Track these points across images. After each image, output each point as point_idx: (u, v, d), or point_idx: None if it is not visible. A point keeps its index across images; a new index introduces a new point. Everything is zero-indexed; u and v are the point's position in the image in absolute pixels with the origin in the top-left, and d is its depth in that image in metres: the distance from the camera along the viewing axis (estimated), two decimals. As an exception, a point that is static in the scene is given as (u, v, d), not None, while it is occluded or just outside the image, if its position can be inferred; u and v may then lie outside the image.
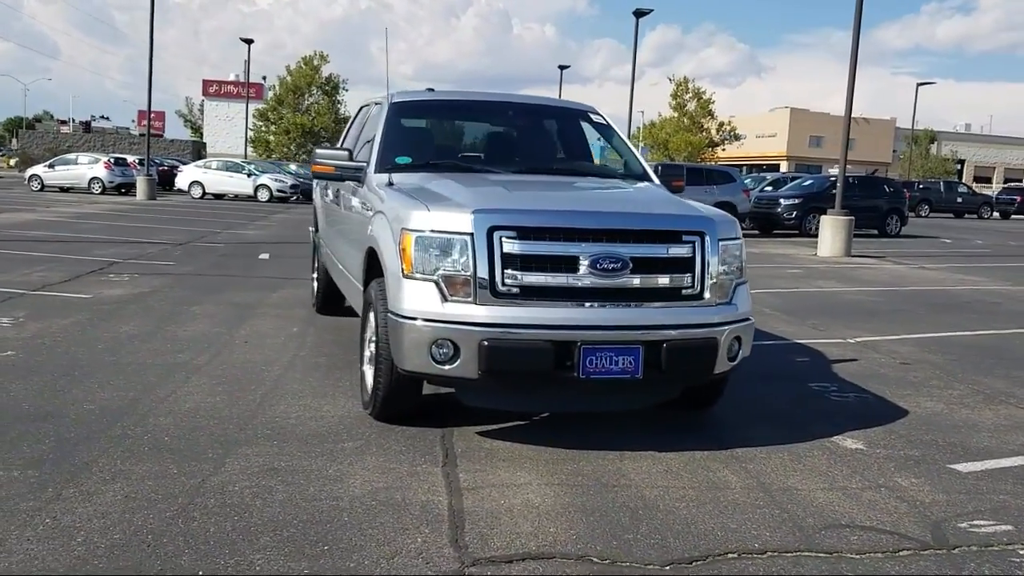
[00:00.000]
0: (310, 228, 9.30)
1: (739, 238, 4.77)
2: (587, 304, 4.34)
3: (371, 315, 5.00)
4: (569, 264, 4.33)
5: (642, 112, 79.56)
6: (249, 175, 32.89)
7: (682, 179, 6.11)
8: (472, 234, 4.29)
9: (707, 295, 4.54)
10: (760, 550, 3.40)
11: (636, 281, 4.40)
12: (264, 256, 13.26)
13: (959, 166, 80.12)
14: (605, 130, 6.38)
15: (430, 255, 4.35)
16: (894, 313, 10.04)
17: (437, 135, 6.47)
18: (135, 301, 8.65)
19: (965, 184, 54.49)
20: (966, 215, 44.63)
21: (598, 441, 4.69)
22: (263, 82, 68.14)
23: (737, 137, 64.94)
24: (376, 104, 6.49)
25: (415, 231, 4.39)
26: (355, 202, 5.72)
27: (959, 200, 45.78)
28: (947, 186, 48.90)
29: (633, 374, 4.34)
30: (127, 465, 4.06)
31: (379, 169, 5.52)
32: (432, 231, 4.36)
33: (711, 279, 4.54)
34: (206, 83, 76.40)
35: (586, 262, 4.31)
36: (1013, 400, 6.03)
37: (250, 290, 9.67)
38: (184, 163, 39.34)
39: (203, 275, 10.86)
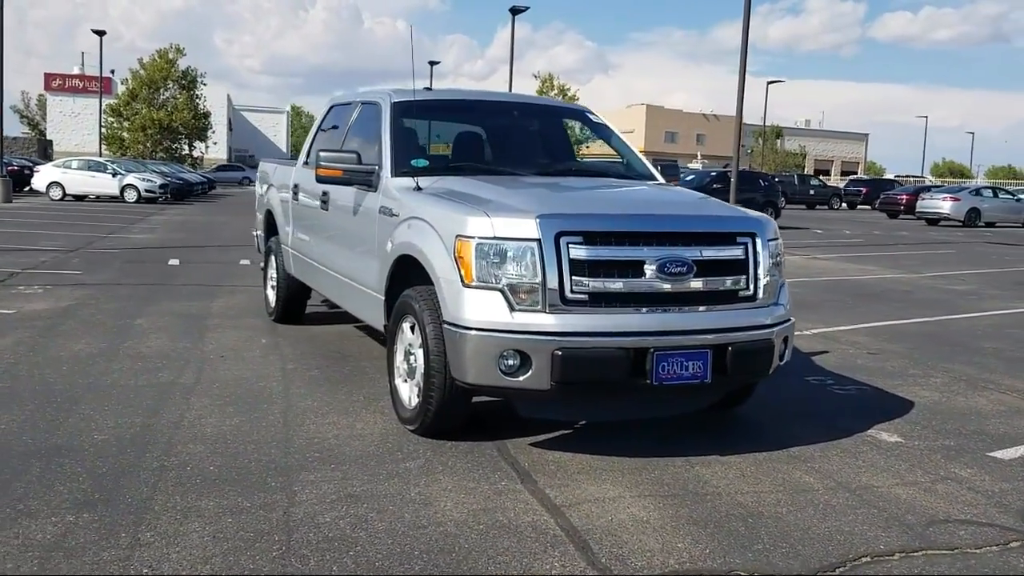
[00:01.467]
0: (255, 232, 8.85)
1: (779, 238, 4.81)
2: (656, 309, 4.27)
3: (405, 326, 4.78)
4: (635, 269, 4.25)
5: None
6: (114, 175, 31.11)
7: (677, 178, 6.12)
8: (539, 240, 4.15)
9: (760, 296, 4.56)
10: (887, 552, 3.43)
11: (700, 284, 4.37)
12: (174, 262, 12.55)
13: (803, 160, 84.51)
14: (603, 129, 6.33)
15: (493, 263, 4.19)
16: (825, 304, 10.43)
17: (444, 136, 6.24)
18: (68, 315, 8.02)
19: (817, 177, 57.56)
20: (817, 206, 47.15)
21: (655, 447, 4.64)
22: (112, 76, 64.62)
23: (601, 133, 66.14)
24: (367, 103, 6.20)
25: (475, 238, 4.22)
26: (365, 208, 5.44)
27: (811, 192, 48.40)
28: (800, 179, 51.57)
29: (702, 379, 4.31)
30: (190, 500, 3.73)
31: (396, 173, 5.28)
32: (495, 238, 4.19)
33: (763, 280, 4.56)
34: (48, 77, 71.92)
35: (653, 266, 4.25)
36: (993, 385, 6.35)
37: (184, 300, 9.12)
38: (32, 163, 36.80)
39: (121, 284, 10.17)
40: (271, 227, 8.14)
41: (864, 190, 51.35)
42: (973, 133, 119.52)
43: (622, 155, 6.17)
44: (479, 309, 4.19)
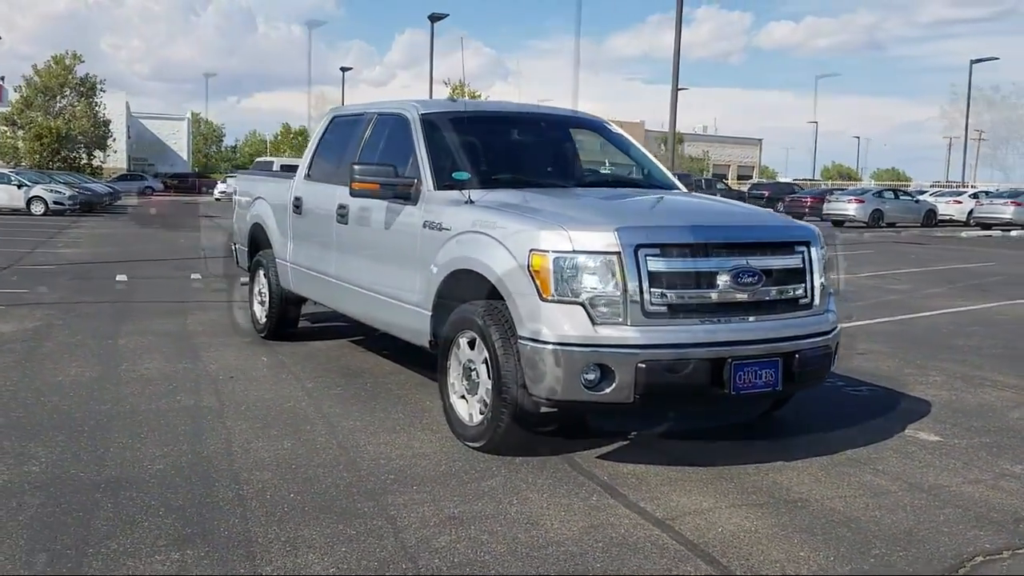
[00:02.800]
0: (235, 244, 8.59)
1: (826, 247, 4.94)
2: (731, 319, 4.32)
3: (462, 341, 4.73)
4: (710, 279, 4.31)
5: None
6: (20, 186, 29.68)
7: (693, 188, 6.22)
8: (619, 253, 4.16)
9: (816, 303, 4.66)
10: (995, 551, 3.55)
11: (768, 293, 4.44)
12: (123, 279, 12.06)
13: (705, 164, 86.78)
14: (622, 140, 6.37)
15: (573, 277, 4.18)
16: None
17: (476, 149, 6.16)
18: (43, 337, 7.64)
19: (722, 181, 59.14)
20: (726, 209, 48.27)
21: (718, 456, 4.70)
22: (2, 83, 61.71)
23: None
24: (386, 116, 6.10)
25: (553, 252, 4.20)
26: (403, 222, 5.35)
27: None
28: (707, 183, 52.81)
29: (774, 386, 4.39)
30: (290, 530, 3.61)
31: (439, 186, 5.20)
32: (574, 251, 4.18)
33: (818, 287, 4.67)
34: (-70, 83, 68.04)
35: (726, 276, 4.31)
36: (989, 383, 6.64)
37: (156, 318, 8.77)
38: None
39: (81, 303, 9.73)
40: (258, 241, 7.91)
41: (766, 193, 52.92)
42: (859, 137, 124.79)
43: (643, 166, 6.21)
44: (560, 323, 4.17)
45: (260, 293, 7.77)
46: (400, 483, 4.17)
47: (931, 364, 7.28)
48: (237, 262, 8.57)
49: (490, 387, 4.50)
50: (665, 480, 4.30)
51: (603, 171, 6.17)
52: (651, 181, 6.03)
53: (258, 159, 38.55)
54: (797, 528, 3.73)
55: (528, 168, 5.95)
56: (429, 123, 5.60)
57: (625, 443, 4.91)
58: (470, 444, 4.63)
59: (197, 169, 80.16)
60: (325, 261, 6.41)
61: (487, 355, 4.50)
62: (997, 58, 43.78)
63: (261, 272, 7.75)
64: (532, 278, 4.25)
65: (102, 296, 10.21)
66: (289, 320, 7.58)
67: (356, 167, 5.29)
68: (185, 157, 79.81)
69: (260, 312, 7.81)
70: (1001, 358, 7.59)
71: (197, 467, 4.35)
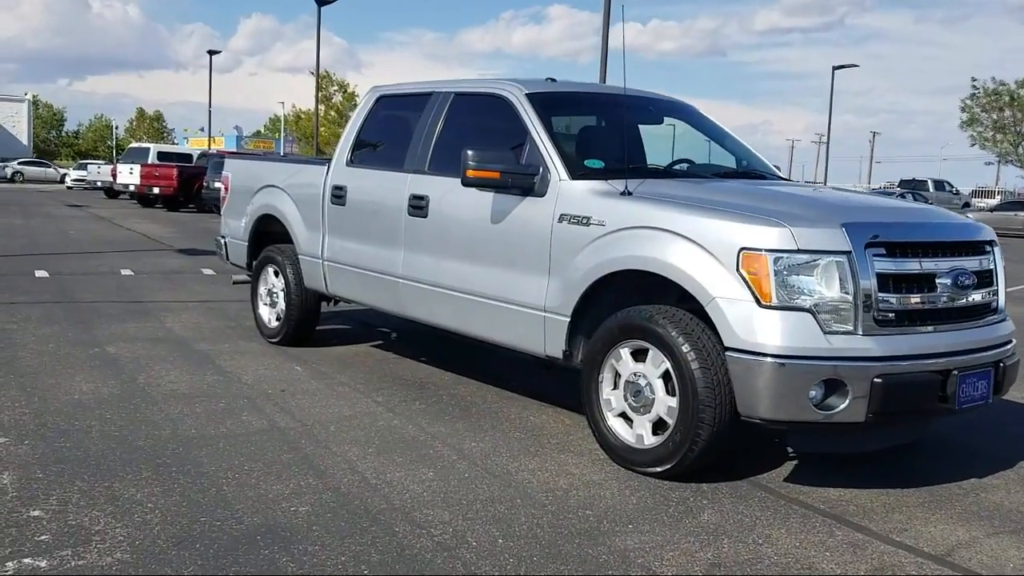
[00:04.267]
0: (223, 238, 7.64)
1: None
2: (951, 327, 3.95)
3: (623, 352, 4.18)
4: (932, 282, 3.92)
5: (282, 103, 77.04)
6: None
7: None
8: (849, 252, 3.72)
9: (1001, 307, 4.37)
10: None
11: (977, 297, 4.10)
12: (43, 274, 10.69)
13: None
14: (715, 128, 5.90)
15: (797, 279, 3.70)
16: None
17: (594, 134, 5.55)
18: (7, 346, 6.51)
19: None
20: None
21: (899, 474, 4.38)
22: None
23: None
24: (473, 94, 5.42)
25: (773, 252, 3.70)
26: (525, 216, 4.72)
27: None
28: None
29: (986, 399, 4.05)
30: (547, 590, 2.95)
31: (575, 176, 4.59)
32: (799, 251, 3.70)
33: (1002, 290, 4.38)
34: None
35: (946, 279, 3.95)
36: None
37: (125, 321, 7.71)
38: None
39: (14, 303, 8.47)
40: (266, 235, 7.02)
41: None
42: (709, 142, 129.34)
43: (742, 156, 5.76)
44: (785, 333, 3.67)
45: (271, 294, 6.89)
46: (611, 521, 3.59)
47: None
48: (227, 258, 7.60)
49: (673, 405, 3.95)
50: (888, 507, 3.90)
51: (702, 162, 5.66)
52: (765, 173, 5.57)
53: (132, 145, 35.94)
54: (1082, 559, 3.36)
55: (642, 156, 5.41)
56: (541, 104, 4.97)
57: (797, 463, 4.45)
58: (643, 469, 4.07)
59: (35, 155, 74.71)
60: (386, 259, 5.65)
61: (669, 368, 3.95)
62: (857, 65, 45.66)
63: (271, 270, 6.87)
64: (746, 281, 3.72)
65: (37, 296, 8.93)
66: (311, 324, 6.75)
67: (471, 153, 4.61)
68: (25, 142, 74.16)
69: (268, 315, 6.93)
70: None
71: (350, 507, 3.61)
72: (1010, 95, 49.16)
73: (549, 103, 5.02)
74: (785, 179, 5.60)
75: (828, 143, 48.97)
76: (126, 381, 5.56)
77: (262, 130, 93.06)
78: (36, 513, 3.42)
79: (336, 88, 63.09)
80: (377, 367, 6.25)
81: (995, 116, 49.87)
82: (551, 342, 4.57)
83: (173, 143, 71.35)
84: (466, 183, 4.68)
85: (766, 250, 3.71)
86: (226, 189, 7.54)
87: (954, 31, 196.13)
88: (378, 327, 7.82)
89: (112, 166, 32.99)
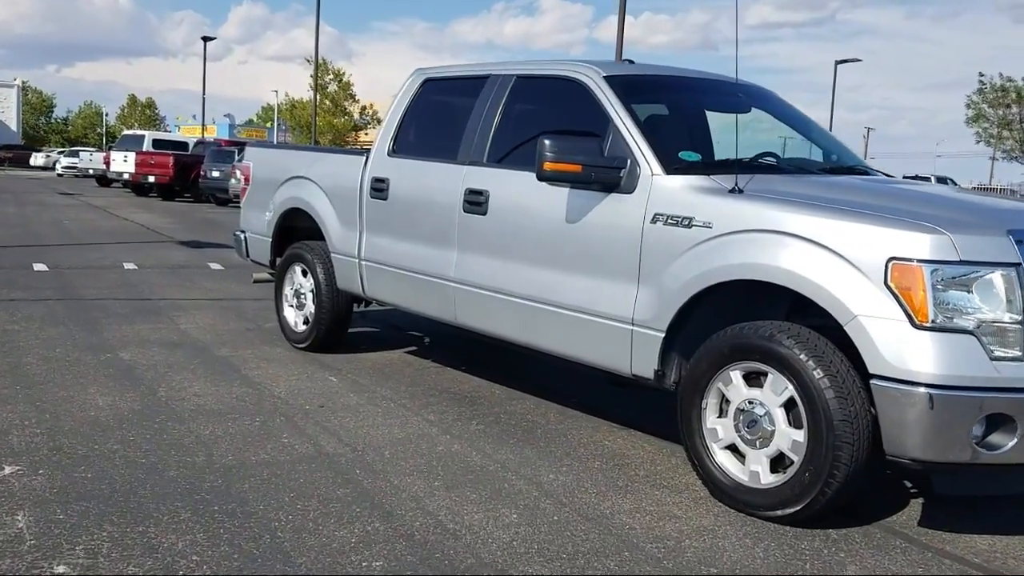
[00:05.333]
0: (242, 233, 7.03)
1: None
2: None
3: (733, 375, 3.61)
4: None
5: (276, 91, 76.24)
6: None
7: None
8: (1019, 264, 3.16)
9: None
10: None
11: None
12: (42, 268, 10.07)
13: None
14: (797, 116, 5.31)
15: (957, 296, 3.15)
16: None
17: (683, 122, 4.98)
18: (9, 349, 5.94)
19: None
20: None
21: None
22: None
23: (380, 121, 64.66)
24: (539, 77, 4.85)
25: (930, 263, 3.15)
26: (607, 214, 4.15)
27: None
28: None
29: None
30: None
31: (671, 170, 4.02)
32: (961, 262, 3.14)
33: None
34: None
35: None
36: None
37: (135, 321, 7.12)
38: None
39: (16, 300, 7.85)
40: (292, 231, 6.43)
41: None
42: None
43: (824, 145, 5.17)
44: (944, 359, 3.12)
45: (298, 295, 6.30)
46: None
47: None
48: (246, 254, 7.00)
49: (799, 439, 3.40)
50: (1047, 559, 3.31)
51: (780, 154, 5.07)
52: (868, 169, 5.00)
53: (126, 132, 35.11)
54: None
55: (711, 147, 4.84)
56: (622, 88, 4.39)
57: (919, 502, 3.89)
58: (760, 512, 3.51)
59: (24, 142, 73.72)
60: (436, 260, 5.07)
61: (795, 396, 3.39)
62: (860, 59, 45.19)
63: (298, 269, 6.29)
64: (895, 297, 3.16)
65: (38, 293, 8.31)
66: (342, 328, 6.17)
67: (548, 142, 4.04)
68: (15, 128, 73.11)
69: (294, 318, 6.35)
70: None
71: (432, 562, 3.05)
72: (1017, 91, 48.75)
73: (632, 87, 4.45)
74: (891, 176, 5.03)
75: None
76: (146, 394, 4.98)
77: (254, 119, 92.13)
78: (61, 570, 2.84)
79: (331, 77, 62.26)
80: (418, 378, 5.68)
81: (1001, 112, 49.48)
82: (640, 360, 4.00)
83: (165, 131, 70.39)
84: (542, 177, 4.10)
85: (921, 261, 3.15)
86: (246, 180, 6.94)
87: (945, 27, 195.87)
88: (408, 330, 7.26)
89: (105, 153, 32.21)
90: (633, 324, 4.00)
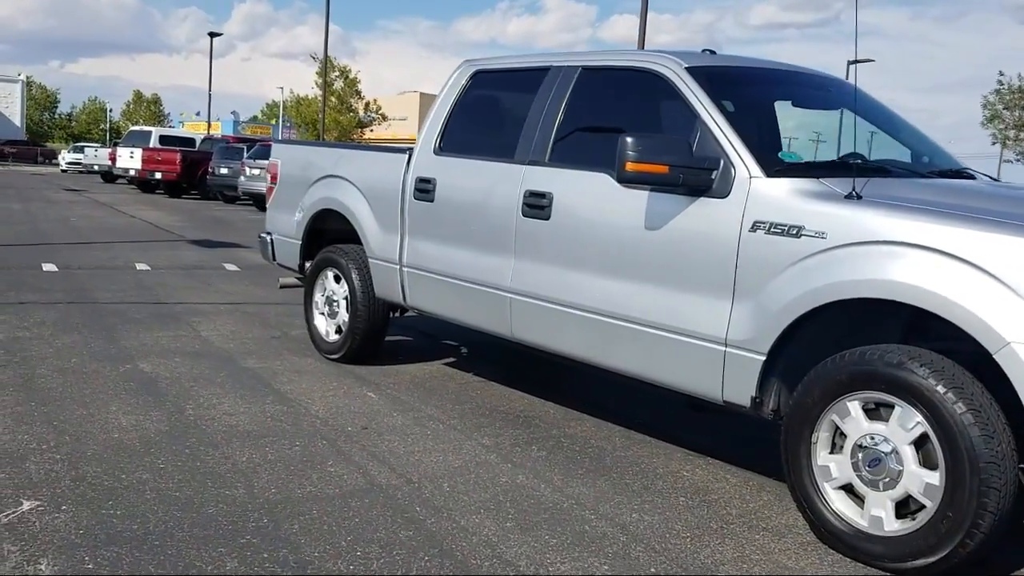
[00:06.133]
0: (268, 235, 6.60)
1: None
2: None
3: (852, 405, 3.20)
4: None
5: (281, 88, 75.78)
6: None
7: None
8: None
9: None
10: None
11: None
12: (51, 268, 9.63)
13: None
14: (887, 115, 4.86)
15: None
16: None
17: (773, 119, 4.54)
18: (21, 359, 5.55)
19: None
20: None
21: None
22: None
23: (385, 118, 64.33)
24: (610, 68, 4.40)
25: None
26: (696, 220, 3.71)
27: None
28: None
29: None
30: None
31: (772, 172, 3.57)
32: None
33: None
34: None
35: None
36: None
37: (153, 328, 6.70)
38: None
39: (26, 304, 7.42)
40: (323, 233, 6.00)
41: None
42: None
43: (923, 149, 4.71)
44: (1118, 396, 2.65)
45: (330, 302, 5.86)
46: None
47: None
48: (272, 258, 6.56)
49: (933, 481, 2.98)
50: None
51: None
52: (972, 172, 4.54)
53: (133, 128, 34.61)
54: None
55: (832, 148, 4.39)
56: (708, 81, 3.95)
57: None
58: (885, 564, 3.06)
59: (28, 137, 73.31)
60: (490, 268, 4.63)
61: (929, 433, 2.95)
62: (872, 60, 44.65)
63: (331, 274, 5.85)
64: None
65: (47, 295, 7.87)
66: (378, 339, 5.73)
67: (631, 140, 3.60)
68: (19, 123, 72.67)
69: (326, 327, 5.91)
70: None
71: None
72: (1034, 93, 48.25)
73: (718, 80, 4.01)
74: (995, 179, 4.58)
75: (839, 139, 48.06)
76: (172, 412, 4.54)
77: (259, 115, 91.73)
78: (95, 639, 2.39)
79: (337, 74, 61.70)
80: (463, 394, 5.25)
81: (1017, 114, 48.95)
82: (734, 385, 3.56)
83: (170, 127, 69.98)
84: (623, 179, 3.66)
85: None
86: (273, 179, 6.50)
87: (950, 29, 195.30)
88: (442, 339, 6.83)
89: (111, 149, 31.76)
90: (727, 345, 3.56)
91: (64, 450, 3.89)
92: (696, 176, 3.64)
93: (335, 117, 61.14)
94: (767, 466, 4.07)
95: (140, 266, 10.04)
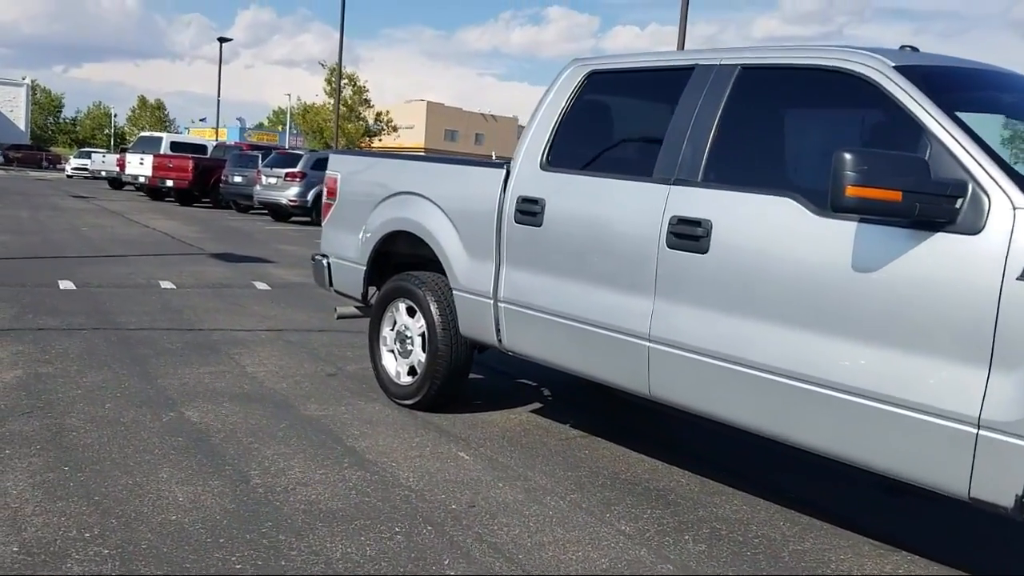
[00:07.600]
0: (325, 258, 5.76)
1: None
2: None
3: None
4: None
5: (288, 95, 75.21)
6: None
7: None
8: None
9: None
10: None
11: None
12: (68, 286, 8.81)
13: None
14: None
15: None
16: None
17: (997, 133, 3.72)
18: (45, 403, 4.76)
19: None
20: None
21: None
22: None
23: (395, 128, 63.77)
24: (779, 68, 3.57)
25: None
26: (931, 262, 2.86)
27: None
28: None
29: None
30: None
31: (1040, 201, 2.74)
32: None
33: None
34: None
35: None
36: None
37: (191, 362, 5.90)
38: None
39: (45, 329, 6.60)
40: (391, 258, 5.17)
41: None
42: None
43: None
44: None
45: (402, 339, 5.03)
46: None
47: None
48: (329, 284, 5.72)
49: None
50: None
51: None
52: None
53: (143, 134, 33.72)
54: None
55: None
56: (928, 85, 3.11)
57: None
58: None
59: (32, 142, 72.68)
60: (621, 309, 3.80)
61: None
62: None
63: (403, 307, 5.01)
64: None
65: (66, 318, 7.05)
66: (460, 383, 4.90)
67: (850, 158, 2.79)
68: (23, 127, 72.02)
69: (396, 367, 5.08)
70: None
71: None
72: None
73: (942, 83, 3.19)
74: None
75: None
76: (235, 480, 3.71)
77: (264, 122, 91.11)
78: None
79: (345, 81, 61.05)
80: (571, 456, 4.43)
81: None
82: (989, 479, 2.72)
83: (176, 133, 69.29)
84: (841, 207, 2.83)
85: None
86: (331, 194, 5.67)
87: (953, 44, 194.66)
88: (518, 378, 6.01)
89: (119, 156, 30.96)
90: (979, 427, 2.73)
91: (112, 541, 3.06)
92: (935, 205, 2.82)
93: (343, 125, 60.50)
94: (983, 566, 3.24)
95: (164, 284, 9.23)
